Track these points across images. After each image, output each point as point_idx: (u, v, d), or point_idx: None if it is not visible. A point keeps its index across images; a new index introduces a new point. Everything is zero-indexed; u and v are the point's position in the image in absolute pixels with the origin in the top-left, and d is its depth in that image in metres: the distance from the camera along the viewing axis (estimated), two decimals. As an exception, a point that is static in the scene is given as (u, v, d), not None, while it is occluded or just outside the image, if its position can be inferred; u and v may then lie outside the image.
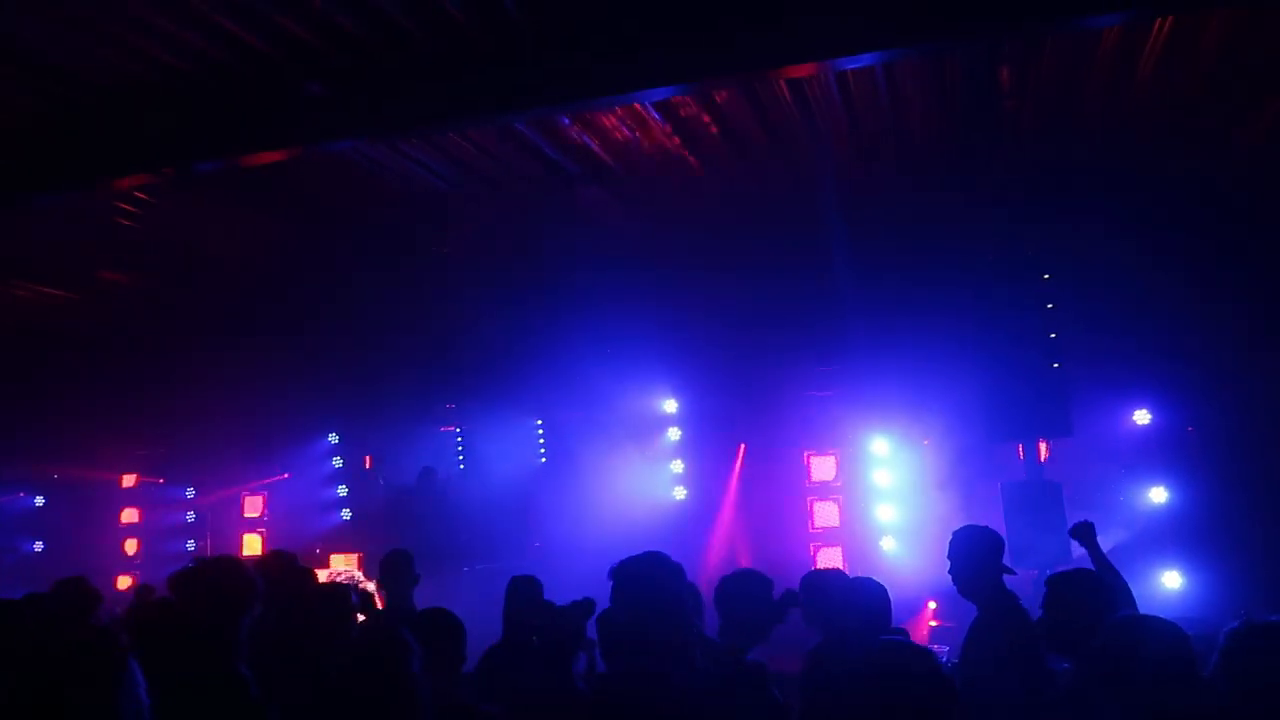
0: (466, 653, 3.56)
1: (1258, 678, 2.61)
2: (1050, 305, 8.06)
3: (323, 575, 10.18)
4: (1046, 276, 8.08)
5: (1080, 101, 6.83)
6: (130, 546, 13.00)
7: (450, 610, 3.71)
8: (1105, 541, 8.83)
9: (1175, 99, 6.76)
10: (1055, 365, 7.98)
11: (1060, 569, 4.50)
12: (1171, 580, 8.52)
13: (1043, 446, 8.61)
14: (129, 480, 13.24)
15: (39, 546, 13.22)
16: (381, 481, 12.09)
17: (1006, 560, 4.43)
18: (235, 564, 3.47)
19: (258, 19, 5.17)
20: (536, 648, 4.11)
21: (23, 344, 11.19)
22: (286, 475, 12.41)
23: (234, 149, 5.98)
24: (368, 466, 12.43)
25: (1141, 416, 9.04)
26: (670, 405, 11.17)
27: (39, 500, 13.46)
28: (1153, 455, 8.97)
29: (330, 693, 2.49)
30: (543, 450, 11.75)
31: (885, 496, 10.08)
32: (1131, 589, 4.47)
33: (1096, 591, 3.82)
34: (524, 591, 5.03)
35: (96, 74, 5.68)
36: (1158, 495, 8.83)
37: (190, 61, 5.57)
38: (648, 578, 3.01)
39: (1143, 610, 3.94)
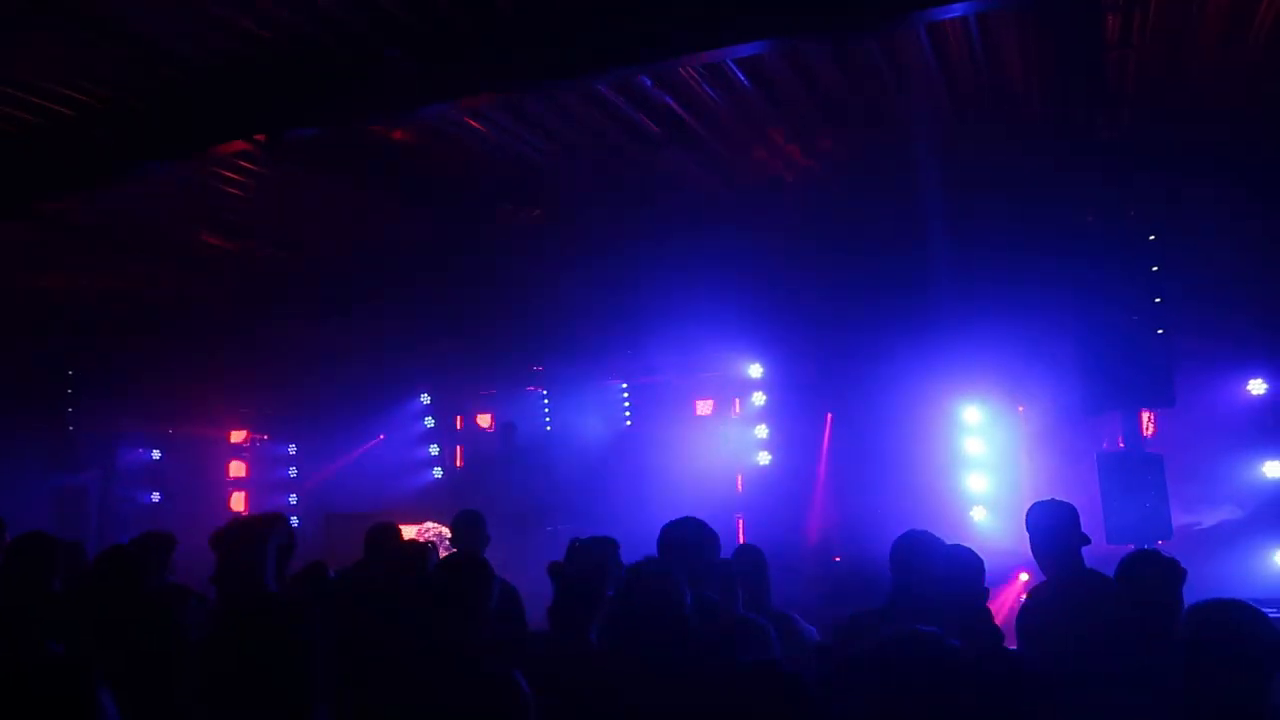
0: (491, 602, 3.40)
1: None
2: (1155, 268, 7.63)
3: (412, 530, 10.57)
4: (1152, 238, 7.64)
5: (1189, 54, 6.42)
6: (237, 499, 13.64)
7: (481, 559, 3.68)
8: (1213, 518, 8.55)
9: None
10: (1159, 332, 7.57)
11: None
12: (1285, 559, 8.14)
13: (1147, 418, 8.22)
14: (238, 436, 13.86)
15: (156, 497, 13.97)
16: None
17: (1099, 536, 4.25)
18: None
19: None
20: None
21: (141, 307, 11.77)
22: (381, 437, 12.80)
23: (321, 117, 6.13)
24: (458, 427, 12.73)
25: (1256, 386, 8.59)
26: (756, 369, 11.08)
27: (156, 454, 14.21)
28: (1267, 428, 8.52)
29: None
30: (628, 413, 11.82)
31: (977, 465, 9.83)
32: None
33: (1170, 575, 3.66)
34: (591, 553, 4.99)
35: (193, 48, 5.87)
36: (1272, 470, 8.42)
37: (278, 33, 5.70)
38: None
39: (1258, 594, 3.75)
